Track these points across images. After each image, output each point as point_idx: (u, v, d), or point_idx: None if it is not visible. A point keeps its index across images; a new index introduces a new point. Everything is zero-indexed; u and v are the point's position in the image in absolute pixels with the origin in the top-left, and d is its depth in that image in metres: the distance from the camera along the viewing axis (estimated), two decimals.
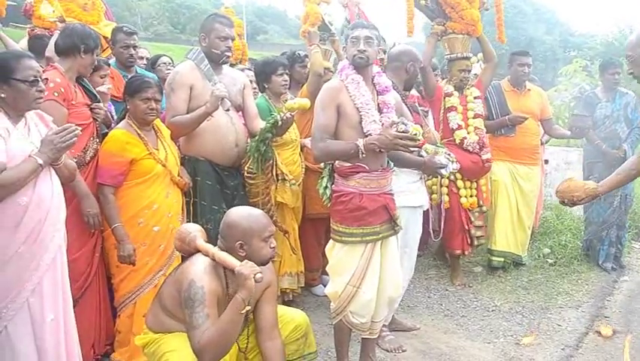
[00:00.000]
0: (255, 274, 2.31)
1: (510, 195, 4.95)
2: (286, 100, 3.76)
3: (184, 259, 2.60)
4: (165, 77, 3.90)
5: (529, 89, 5.04)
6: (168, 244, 3.16)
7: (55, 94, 2.89)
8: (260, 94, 4.09)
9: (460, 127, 4.53)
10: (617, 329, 3.89)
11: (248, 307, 2.32)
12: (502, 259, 4.98)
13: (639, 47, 2.81)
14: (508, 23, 21.65)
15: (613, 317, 4.06)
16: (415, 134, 2.79)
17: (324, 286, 4.31)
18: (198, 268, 2.40)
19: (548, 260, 5.28)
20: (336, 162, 2.98)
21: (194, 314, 2.29)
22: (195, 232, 2.60)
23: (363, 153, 2.83)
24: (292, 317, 2.75)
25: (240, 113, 3.67)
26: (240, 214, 2.51)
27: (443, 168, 3.54)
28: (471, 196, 4.62)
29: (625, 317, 4.14)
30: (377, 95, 3.03)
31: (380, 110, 2.99)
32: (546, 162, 5.72)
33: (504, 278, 4.88)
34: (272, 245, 2.50)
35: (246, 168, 3.64)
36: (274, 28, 48.56)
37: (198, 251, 2.52)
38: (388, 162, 3.09)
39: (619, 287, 4.81)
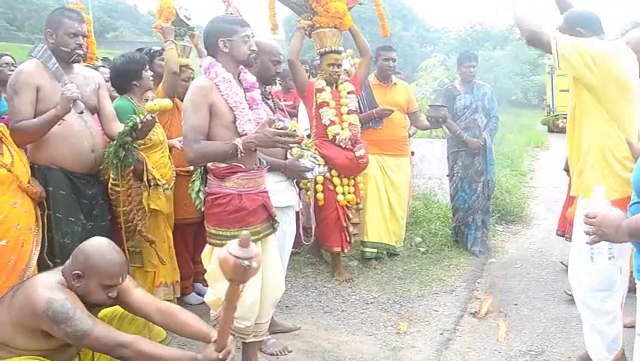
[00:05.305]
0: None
1: (380, 186, 5.04)
2: (147, 100, 3.54)
3: None
4: (7, 79, 3.46)
5: (395, 83, 5.17)
6: (19, 258, 2.83)
7: None
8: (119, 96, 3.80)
9: (333, 123, 4.47)
10: (489, 309, 4.09)
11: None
12: (376, 250, 5.06)
13: None
14: (368, 20, 22.48)
15: (485, 298, 4.24)
16: (294, 131, 2.79)
17: (197, 294, 4.13)
18: (47, 288, 2.23)
19: (420, 249, 5.46)
20: (210, 163, 2.85)
21: (75, 321, 2.16)
22: None
23: (242, 153, 2.76)
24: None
25: (96, 115, 3.38)
26: (95, 247, 2.36)
27: (308, 171, 3.50)
28: (349, 193, 4.57)
29: (495, 296, 4.36)
30: (245, 92, 2.95)
31: (250, 107, 2.92)
32: (412, 153, 5.94)
33: (380, 270, 4.95)
34: (110, 294, 2.36)
35: (111, 176, 3.36)
36: (125, 25, 46.25)
37: None
38: (260, 160, 3.03)
39: (487, 269, 5.08)
